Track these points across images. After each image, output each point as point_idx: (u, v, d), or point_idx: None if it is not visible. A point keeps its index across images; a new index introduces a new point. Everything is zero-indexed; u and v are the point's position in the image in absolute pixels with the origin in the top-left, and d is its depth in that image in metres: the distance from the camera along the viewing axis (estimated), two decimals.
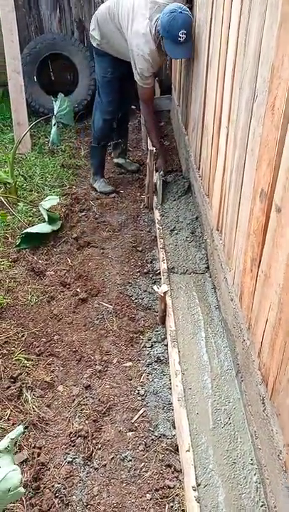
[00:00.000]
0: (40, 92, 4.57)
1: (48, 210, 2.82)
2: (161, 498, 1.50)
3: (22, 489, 1.02)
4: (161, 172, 3.16)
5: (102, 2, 4.45)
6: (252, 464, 1.52)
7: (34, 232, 2.72)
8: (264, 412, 1.38)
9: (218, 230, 2.18)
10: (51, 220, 2.85)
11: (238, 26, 1.65)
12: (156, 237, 2.78)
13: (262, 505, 1.40)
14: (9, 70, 3.78)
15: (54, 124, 3.38)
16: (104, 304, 2.34)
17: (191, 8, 2.76)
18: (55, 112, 3.32)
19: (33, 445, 1.66)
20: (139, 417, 1.76)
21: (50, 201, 2.86)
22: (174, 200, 3.09)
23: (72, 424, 1.74)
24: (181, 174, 3.34)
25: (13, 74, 3.79)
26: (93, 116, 3.33)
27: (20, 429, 1.08)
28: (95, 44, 3.04)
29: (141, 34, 2.69)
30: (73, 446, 1.66)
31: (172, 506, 1.47)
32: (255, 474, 1.49)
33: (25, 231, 2.74)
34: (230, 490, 1.46)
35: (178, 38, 2.55)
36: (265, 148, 1.32)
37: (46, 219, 2.82)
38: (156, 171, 3.17)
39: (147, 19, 2.67)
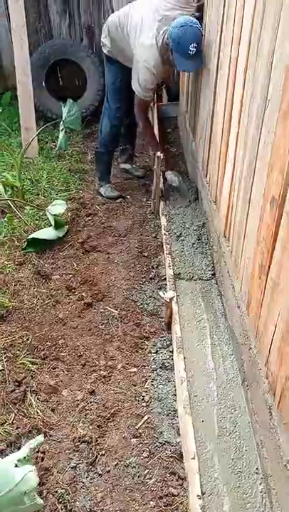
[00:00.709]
0: (49, 97, 4.60)
1: (55, 215, 2.82)
2: (165, 506, 1.48)
3: (41, 501, 1.01)
4: (169, 171, 3.18)
5: (112, 8, 4.52)
6: (257, 473, 1.51)
7: (40, 238, 2.73)
8: (271, 421, 1.37)
9: (225, 237, 2.17)
10: (58, 225, 2.86)
11: (250, 31, 1.65)
12: (162, 242, 2.78)
13: None
14: (18, 74, 3.80)
15: (62, 129, 3.40)
16: (109, 308, 2.34)
17: (200, 17, 2.78)
18: (63, 117, 3.33)
19: (36, 449, 1.65)
20: (143, 424, 1.75)
21: (57, 207, 2.86)
22: (181, 206, 3.09)
23: (77, 429, 1.73)
24: (188, 179, 3.35)
25: (22, 78, 3.81)
26: (101, 122, 3.35)
27: (40, 438, 1.07)
28: (105, 51, 3.06)
29: (147, 46, 2.70)
30: (77, 452, 1.65)
31: None
32: (260, 484, 1.47)
33: (31, 236, 2.74)
34: (235, 499, 1.45)
35: (188, 52, 2.56)
36: (276, 156, 1.32)
37: (52, 224, 2.82)
38: (165, 170, 3.20)
39: (154, 31, 2.68)
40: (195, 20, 2.58)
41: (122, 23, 2.88)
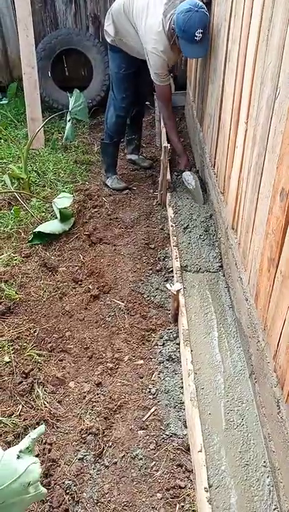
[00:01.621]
0: (55, 88, 4.57)
1: (61, 209, 2.81)
2: (171, 498, 1.49)
3: (44, 490, 1.01)
4: (188, 171, 3.14)
5: None
6: (265, 466, 1.50)
7: (45, 232, 2.72)
8: (279, 415, 1.36)
9: (233, 229, 2.15)
10: (64, 218, 2.85)
11: (260, 19, 1.61)
12: (169, 234, 2.76)
13: (275, 509, 1.38)
14: (24, 65, 3.77)
15: (69, 120, 3.36)
16: (116, 301, 2.33)
17: (209, 2, 2.72)
18: (70, 108, 3.30)
19: (44, 441, 1.66)
20: (150, 416, 1.75)
21: (63, 200, 2.85)
22: (188, 197, 3.06)
23: (84, 421, 1.73)
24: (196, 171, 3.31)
25: (27, 69, 3.78)
26: (107, 112, 3.31)
27: (42, 428, 1.06)
28: (109, 40, 3.02)
29: (155, 31, 2.66)
30: (84, 443, 1.66)
31: (183, 506, 1.46)
32: (268, 477, 1.47)
33: (37, 229, 2.74)
34: (242, 492, 1.44)
35: (194, 38, 2.51)
36: (287, 146, 1.29)
37: (58, 217, 2.81)
38: (183, 171, 3.16)
39: (161, 15, 2.63)
40: (201, 3, 2.51)
41: (126, 9, 2.83)
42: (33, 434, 1.05)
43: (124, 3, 2.85)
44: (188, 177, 3.09)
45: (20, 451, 0.98)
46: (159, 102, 3.04)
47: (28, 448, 1.00)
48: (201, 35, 2.51)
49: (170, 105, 3.06)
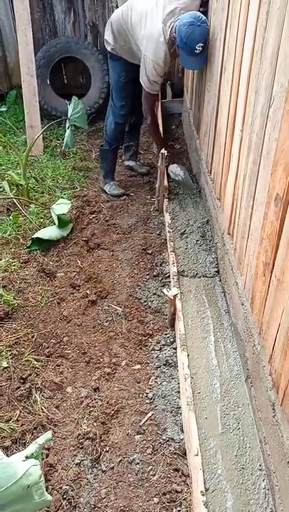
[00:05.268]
0: (53, 95, 4.61)
1: (59, 215, 2.83)
2: (168, 502, 1.49)
3: (49, 497, 1.02)
4: (174, 164, 3.17)
5: (117, 5, 4.51)
6: (261, 469, 1.51)
7: (44, 238, 2.75)
8: (274, 418, 1.38)
9: (229, 234, 2.17)
10: (62, 223, 2.87)
11: (254, 31, 1.65)
12: (166, 240, 2.78)
13: None
14: (23, 72, 3.81)
15: (68, 127, 3.40)
16: (113, 306, 2.34)
17: (206, 11, 2.77)
18: (69, 115, 3.34)
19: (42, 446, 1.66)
20: (147, 420, 1.75)
21: (62, 206, 2.87)
22: (185, 203, 3.09)
23: (81, 426, 1.74)
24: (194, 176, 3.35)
25: (26, 77, 3.82)
26: (106, 119, 3.35)
27: (48, 434, 1.07)
28: (109, 48, 3.06)
29: (154, 38, 2.69)
30: (81, 448, 1.66)
31: (179, 511, 1.47)
32: (263, 480, 1.48)
33: (35, 235, 2.76)
34: (238, 495, 1.45)
35: (194, 51, 2.58)
36: (281, 153, 1.32)
37: (57, 223, 2.83)
38: (168, 165, 3.17)
39: (161, 23, 2.67)
40: (203, 17, 2.56)
41: (125, 17, 2.88)
42: (40, 440, 1.05)
43: (123, 12, 2.90)
44: (176, 169, 3.16)
45: (26, 457, 0.99)
46: (144, 109, 3.04)
47: (33, 454, 1.01)
48: (201, 48, 2.57)
49: (154, 107, 3.10)
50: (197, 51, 2.58)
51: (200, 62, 2.74)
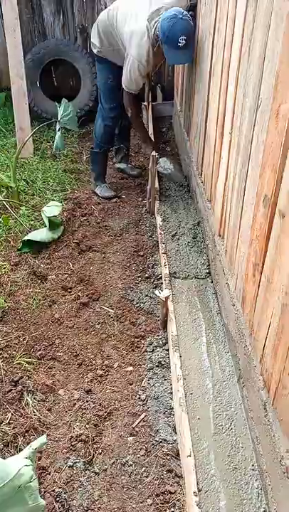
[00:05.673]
0: (43, 97, 4.60)
1: (50, 217, 2.82)
2: (161, 503, 1.49)
3: (43, 501, 1.01)
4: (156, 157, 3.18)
5: (106, 8, 4.52)
6: (253, 469, 1.52)
7: (35, 240, 2.73)
8: (266, 418, 1.39)
9: (220, 236, 2.19)
10: (53, 226, 2.86)
11: (242, 33, 1.66)
12: (157, 242, 2.79)
13: (263, 511, 1.40)
14: (12, 74, 3.80)
15: (58, 130, 3.40)
16: (105, 308, 2.34)
17: (194, 15, 2.79)
18: (59, 117, 3.33)
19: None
20: (140, 422, 1.76)
21: (52, 208, 2.86)
22: (176, 205, 3.10)
23: (73, 428, 1.73)
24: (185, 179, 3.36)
25: (16, 79, 3.81)
26: (96, 122, 3.35)
27: (43, 438, 1.07)
28: (95, 51, 3.06)
29: (138, 36, 2.68)
30: (74, 451, 1.66)
31: (173, 511, 1.47)
32: (256, 480, 1.48)
33: (26, 238, 2.75)
34: (231, 496, 1.46)
35: (177, 44, 2.55)
36: (269, 155, 1.34)
37: (47, 225, 2.83)
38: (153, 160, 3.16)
39: (146, 21, 2.67)
40: (186, 12, 2.57)
41: (110, 18, 2.88)
42: (34, 444, 1.05)
43: (109, 12, 2.91)
44: (164, 163, 3.15)
45: None
46: (125, 100, 3.02)
47: (28, 458, 1.00)
48: (184, 41, 2.55)
49: (135, 103, 3.07)
50: (180, 44, 2.55)
51: (185, 56, 2.72)
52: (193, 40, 2.68)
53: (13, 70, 3.78)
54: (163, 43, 2.62)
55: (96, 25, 3.00)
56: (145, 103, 4.37)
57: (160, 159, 3.17)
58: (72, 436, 1.69)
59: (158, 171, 3.13)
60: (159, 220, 2.90)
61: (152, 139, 3.45)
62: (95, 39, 3.02)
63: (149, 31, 2.67)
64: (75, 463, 1.61)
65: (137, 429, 1.73)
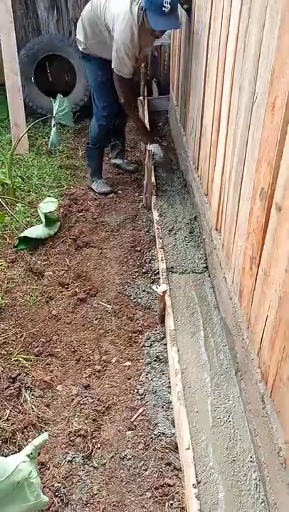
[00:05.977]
0: (38, 93, 4.58)
1: (46, 213, 2.81)
2: (160, 496, 1.50)
3: (46, 498, 1.01)
4: (154, 144, 3.18)
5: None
6: (252, 461, 1.53)
7: (31, 237, 2.73)
8: (263, 410, 1.39)
9: (217, 230, 2.19)
10: (50, 222, 2.85)
11: (237, 27, 1.66)
12: (154, 237, 2.79)
13: (262, 502, 1.41)
14: (7, 70, 3.77)
15: (53, 125, 3.38)
16: (103, 303, 2.34)
17: (189, 8, 2.77)
18: (54, 113, 3.32)
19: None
20: (138, 416, 1.76)
21: (49, 204, 2.85)
22: (173, 200, 3.10)
23: (72, 423, 1.74)
24: (181, 174, 3.36)
25: (10, 74, 3.79)
26: (91, 121, 3.33)
27: (45, 435, 1.07)
28: (81, 48, 3.03)
29: (122, 16, 2.65)
30: (73, 446, 1.66)
31: (172, 504, 1.48)
32: (254, 471, 1.49)
33: (22, 234, 2.74)
34: (230, 487, 1.47)
35: (162, 8, 2.49)
36: (265, 148, 1.33)
37: (44, 222, 2.82)
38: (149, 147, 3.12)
39: (129, 2, 2.64)
40: None
41: (94, 6, 2.85)
42: (36, 441, 1.05)
43: (93, 2, 2.87)
44: (156, 149, 3.17)
45: None
46: (121, 95, 2.94)
47: (30, 455, 1.00)
48: (169, 5, 2.48)
49: (128, 88, 2.97)
50: (165, 9, 2.48)
51: (170, 22, 2.65)
52: (178, 7, 2.61)
53: (8, 65, 3.76)
54: (147, 10, 2.56)
55: (81, 19, 2.97)
56: (141, 98, 4.35)
57: (152, 145, 3.14)
58: (70, 432, 1.70)
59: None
60: (155, 215, 2.90)
61: (148, 128, 3.43)
62: (80, 35, 2.98)
63: (132, 11, 2.63)
64: (74, 458, 1.62)
65: (135, 423, 1.74)
